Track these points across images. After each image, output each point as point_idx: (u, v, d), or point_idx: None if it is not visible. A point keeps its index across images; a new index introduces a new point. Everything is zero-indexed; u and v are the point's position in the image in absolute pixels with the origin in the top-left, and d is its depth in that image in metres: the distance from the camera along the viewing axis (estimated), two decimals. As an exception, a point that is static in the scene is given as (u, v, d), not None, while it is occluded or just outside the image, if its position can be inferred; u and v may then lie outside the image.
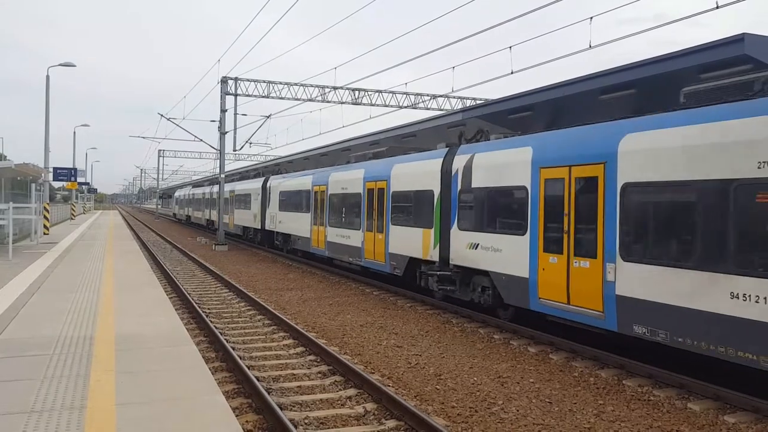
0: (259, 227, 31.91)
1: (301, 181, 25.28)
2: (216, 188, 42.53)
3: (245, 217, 35.20)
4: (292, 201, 26.03)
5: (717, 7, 10.96)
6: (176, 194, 78.35)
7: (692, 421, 7.60)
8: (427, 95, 34.81)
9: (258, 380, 8.47)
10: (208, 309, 14.62)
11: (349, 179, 19.89)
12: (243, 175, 47.31)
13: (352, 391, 8.41)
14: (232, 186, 40.07)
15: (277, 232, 28.97)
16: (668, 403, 8.26)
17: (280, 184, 28.50)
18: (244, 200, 35.64)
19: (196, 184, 68.80)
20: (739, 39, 10.00)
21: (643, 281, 8.74)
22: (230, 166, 66.33)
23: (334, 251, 21.13)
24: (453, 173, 13.76)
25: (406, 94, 34.45)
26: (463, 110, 19.24)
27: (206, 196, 49.75)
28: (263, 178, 32.44)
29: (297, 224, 25.27)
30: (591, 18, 14.18)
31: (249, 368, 9.13)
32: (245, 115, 36.30)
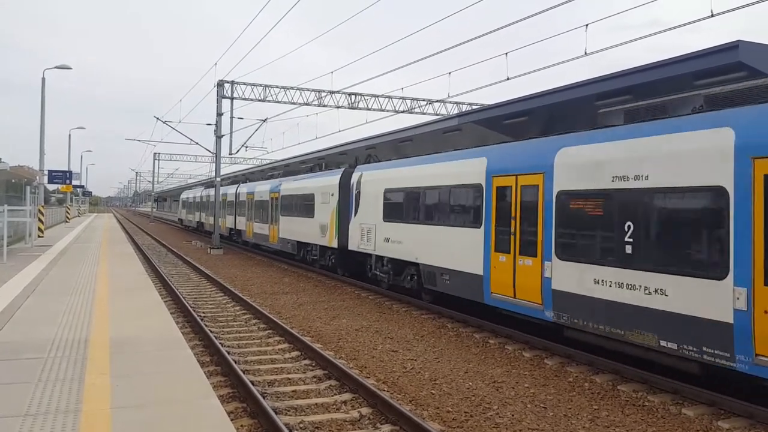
0: (334, 245, 20.99)
1: (450, 170, 14.20)
2: (245, 188, 34.80)
3: (303, 230, 24.16)
4: (428, 205, 15.08)
5: (712, 15, 11.04)
6: (183, 196, 62.08)
7: (687, 427, 7.63)
8: (424, 100, 34.93)
9: (253, 384, 8.46)
10: (203, 313, 14.60)
11: (653, 157, 8.75)
12: (288, 170, 33.74)
13: (347, 396, 8.41)
14: (273, 184, 29.43)
15: (380, 257, 17.72)
16: (663, 408, 8.28)
17: (384, 177, 17.50)
18: (300, 204, 24.73)
19: (211, 184, 54.78)
20: (734, 46, 10.07)
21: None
22: (225, 169, 66.09)
23: (582, 312, 9.92)
24: None
25: (403, 98, 34.55)
26: (459, 115, 19.29)
27: (228, 198, 38.81)
28: (341, 171, 21.62)
29: (442, 248, 14.27)
30: (587, 25, 14.26)
31: (244, 372, 9.12)
32: (242, 118, 36.12)
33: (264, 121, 35.27)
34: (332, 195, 21.32)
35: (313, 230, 22.93)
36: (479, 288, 12.70)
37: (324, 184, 22.41)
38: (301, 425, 7.22)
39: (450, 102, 34.97)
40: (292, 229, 25.59)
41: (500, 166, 12.29)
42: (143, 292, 12.25)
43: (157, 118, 40.26)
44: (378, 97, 33.82)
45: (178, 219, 65.28)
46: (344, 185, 20.68)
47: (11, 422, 4.93)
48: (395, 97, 34.21)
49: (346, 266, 21.15)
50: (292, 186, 26.45)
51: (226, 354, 10.00)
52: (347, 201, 20.10)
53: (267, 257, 29.65)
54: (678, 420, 7.86)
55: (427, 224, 15.07)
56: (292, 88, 32.94)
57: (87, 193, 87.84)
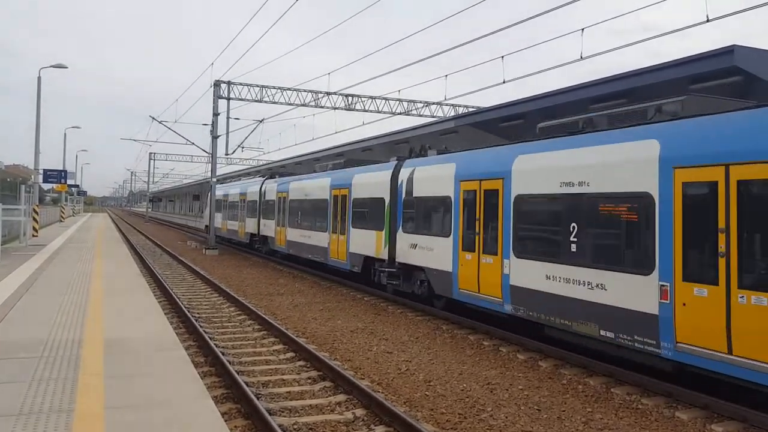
0: None
1: None
2: (376, 174, 17.65)
3: None
4: None
5: (708, 20, 11.08)
6: (221, 192, 38.86)
7: (680, 430, 7.64)
8: (420, 102, 34.93)
9: (247, 385, 8.45)
10: (198, 313, 14.57)
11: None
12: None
13: (341, 397, 8.40)
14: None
15: None
16: (656, 411, 8.30)
17: None
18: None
19: (279, 169, 38.17)
20: (729, 51, 10.13)
21: None
22: (221, 170, 65.88)
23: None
24: None
25: (399, 100, 34.54)
26: (456, 117, 19.33)
27: (329, 196, 20.69)
28: None
29: None
30: (582, 29, 14.29)
31: (238, 373, 9.10)
32: (238, 119, 36.01)
33: (260, 121, 35.25)
34: None
35: None
36: None
37: None
38: (295, 426, 7.21)
39: (447, 104, 35.00)
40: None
41: None
42: (137, 293, 12.22)
43: (153, 118, 40.24)
44: (375, 98, 33.82)
45: (205, 227, 39.46)
46: None
47: (4, 422, 4.91)
48: (392, 99, 34.24)
49: None
50: None
51: (221, 355, 9.97)
52: None
53: (262, 258, 29.56)
54: (671, 423, 7.87)
55: None
56: (288, 89, 32.90)
57: (82, 193, 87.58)
